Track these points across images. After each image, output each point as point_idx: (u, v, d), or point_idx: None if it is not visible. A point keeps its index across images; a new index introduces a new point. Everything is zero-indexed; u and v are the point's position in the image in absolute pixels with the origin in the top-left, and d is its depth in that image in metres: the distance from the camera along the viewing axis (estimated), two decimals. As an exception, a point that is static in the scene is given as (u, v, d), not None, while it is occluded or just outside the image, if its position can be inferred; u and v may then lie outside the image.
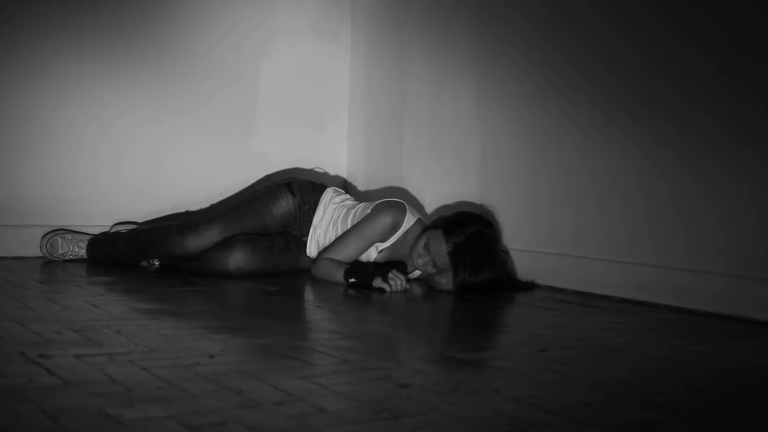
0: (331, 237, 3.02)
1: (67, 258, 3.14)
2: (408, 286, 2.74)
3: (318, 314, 2.45)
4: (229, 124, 3.70)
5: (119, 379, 1.44)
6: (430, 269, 2.79)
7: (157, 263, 3.14)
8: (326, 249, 2.94)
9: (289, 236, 3.10)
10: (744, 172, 2.46)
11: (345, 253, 2.89)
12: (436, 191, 3.48)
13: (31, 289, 2.46)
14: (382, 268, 2.79)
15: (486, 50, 3.29)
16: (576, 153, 2.94)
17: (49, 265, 3.03)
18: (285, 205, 3.08)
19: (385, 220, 2.88)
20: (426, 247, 2.76)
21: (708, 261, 2.54)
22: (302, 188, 3.12)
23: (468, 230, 2.73)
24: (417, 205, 3.47)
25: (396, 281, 2.70)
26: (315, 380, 1.51)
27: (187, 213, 3.30)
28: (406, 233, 2.91)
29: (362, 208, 2.99)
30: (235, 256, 2.95)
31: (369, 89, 3.91)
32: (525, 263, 3.07)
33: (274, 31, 3.79)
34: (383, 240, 2.92)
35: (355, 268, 2.81)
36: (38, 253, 3.18)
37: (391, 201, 2.96)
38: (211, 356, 1.66)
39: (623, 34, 2.78)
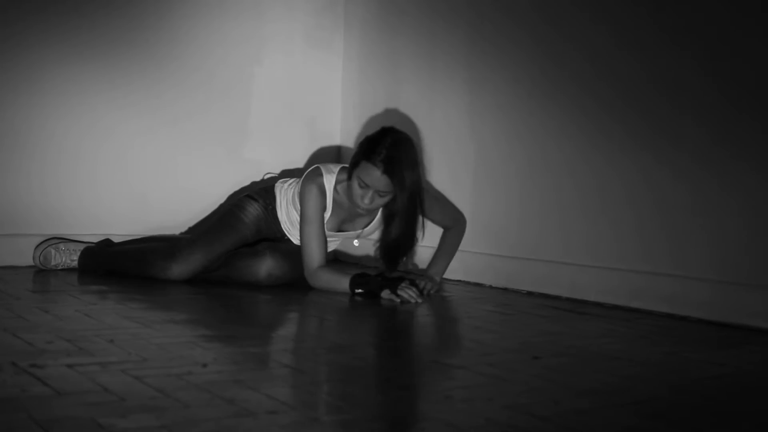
0: (294, 219, 3.02)
1: (59, 269, 3.12)
2: (421, 300, 2.70)
3: (311, 323, 2.45)
4: (223, 131, 3.70)
5: (112, 388, 1.44)
6: (379, 201, 2.74)
7: None
8: (305, 260, 2.87)
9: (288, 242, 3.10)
10: (733, 181, 2.47)
11: (317, 249, 2.84)
12: (429, 199, 3.48)
13: (23, 298, 2.45)
14: (391, 280, 2.77)
15: (479, 58, 3.30)
16: (568, 161, 2.95)
17: (41, 274, 3.01)
18: (254, 210, 3.08)
19: (311, 193, 2.85)
20: (361, 184, 2.72)
21: (700, 268, 2.55)
22: (259, 193, 3.14)
23: (385, 143, 2.70)
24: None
25: (407, 293, 2.69)
26: (308, 389, 1.51)
27: (172, 236, 3.27)
28: (337, 188, 2.88)
29: (295, 187, 3.00)
30: (266, 263, 2.94)
31: (362, 96, 3.91)
32: (518, 270, 3.08)
33: (266, 39, 3.80)
34: (325, 208, 2.89)
35: (362, 279, 2.78)
36: (31, 262, 3.17)
37: (306, 174, 2.93)
38: (204, 365, 1.66)
39: (617, 44, 2.79)
